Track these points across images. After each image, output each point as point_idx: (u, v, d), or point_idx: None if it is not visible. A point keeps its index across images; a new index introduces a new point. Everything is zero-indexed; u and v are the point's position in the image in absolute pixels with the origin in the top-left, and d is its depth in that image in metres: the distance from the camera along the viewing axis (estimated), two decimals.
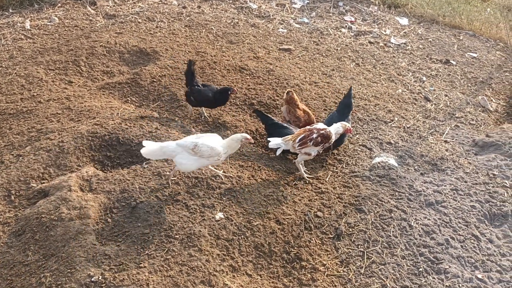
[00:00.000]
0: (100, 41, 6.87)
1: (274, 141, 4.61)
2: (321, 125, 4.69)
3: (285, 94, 5.44)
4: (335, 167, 5.14)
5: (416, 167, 5.26)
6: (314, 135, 4.58)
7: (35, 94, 5.79)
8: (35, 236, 3.91)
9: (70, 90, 5.90)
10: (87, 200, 4.16)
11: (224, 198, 4.35)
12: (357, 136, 5.67)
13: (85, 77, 6.26)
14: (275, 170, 4.89)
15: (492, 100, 7.07)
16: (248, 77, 6.44)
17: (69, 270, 3.63)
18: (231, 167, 4.74)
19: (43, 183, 4.46)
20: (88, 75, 6.29)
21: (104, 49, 6.72)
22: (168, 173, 4.52)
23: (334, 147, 5.21)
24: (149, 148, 4.14)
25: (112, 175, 4.49)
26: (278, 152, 4.68)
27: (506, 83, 7.62)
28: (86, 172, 4.49)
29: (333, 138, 4.67)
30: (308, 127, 4.74)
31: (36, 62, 6.42)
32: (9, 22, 7.54)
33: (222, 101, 5.44)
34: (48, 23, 7.57)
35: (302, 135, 4.61)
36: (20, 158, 4.72)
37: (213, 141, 4.19)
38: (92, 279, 3.57)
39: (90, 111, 5.41)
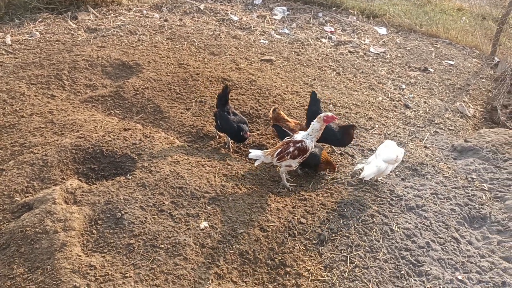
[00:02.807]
0: (82, 55, 6.93)
1: (254, 153, 4.69)
2: (298, 137, 4.71)
3: (271, 111, 5.51)
4: (318, 175, 5.25)
5: (397, 173, 5.38)
6: (291, 149, 4.63)
7: (17, 108, 5.80)
8: (20, 249, 3.92)
9: (53, 104, 5.94)
10: (72, 212, 4.19)
11: (208, 207, 4.41)
12: None
13: (67, 91, 6.30)
14: (259, 179, 4.97)
15: (470, 106, 7.28)
16: (231, 88, 6.51)
17: (54, 282, 3.66)
18: (215, 177, 4.84)
19: (27, 196, 4.48)
20: (71, 89, 6.34)
21: (86, 62, 6.79)
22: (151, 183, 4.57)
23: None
24: (369, 171, 4.76)
25: (96, 187, 4.52)
26: (256, 163, 4.73)
27: (483, 89, 7.85)
28: (70, 184, 4.53)
29: (311, 149, 4.68)
30: (286, 139, 4.78)
31: (18, 77, 6.45)
32: None
33: (238, 138, 5.29)
34: (29, 38, 7.61)
35: (280, 149, 4.66)
36: (4, 172, 4.73)
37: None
38: None
39: (73, 124, 5.46)
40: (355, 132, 5.69)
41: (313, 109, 5.33)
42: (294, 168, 4.89)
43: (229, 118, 5.28)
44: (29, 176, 4.65)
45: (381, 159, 4.85)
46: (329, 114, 4.58)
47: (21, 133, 5.35)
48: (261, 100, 6.38)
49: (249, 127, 5.67)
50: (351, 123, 5.84)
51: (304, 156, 4.71)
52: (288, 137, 4.83)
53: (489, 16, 10.30)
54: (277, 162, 4.73)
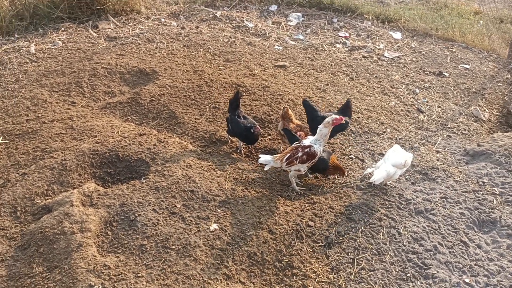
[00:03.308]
0: (102, 63, 7.16)
1: (264, 158, 4.77)
2: (307, 142, 4.76)
3: (282, 110, 5.65)
4: (327, 179, 5.30)
5: (407, 177, 5.42)
6: (300, 153, 4.69)
7: (39, 115, 6.03)
8: (39, 249, 4.11)
9: (73, 111, 6.16)
10: (88, 214, 4.36)
11: (218, 210, 4.51)
12: (349, 148, 5.85)
13: (87, 97, 6.53)
14: (269, 183, 5.06)
15: (485, 110, 7.21)
16: (244, 93, 6.67)
17: (71, 281, 3.83)
18: (225, 180, 4.97)
19: (47, 199, 4.67)
20: (90, 96, 6.56)
21: (105, 70, 7.00)
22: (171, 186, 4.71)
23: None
24: (379, 176, 4.76)
25: (112, 191, 4.67)
26: (266, 168, 4.82)
27: (499, 93, 7.78)
28: (87, 188, 4.68)
29: (319, 154, 4.74)
30: (295, 144, 4.84)
31: (40, 84, 6.69)
32: (15, 46, 7.86)
33: (249, 139, 5.34)
34: (52, 47, 7.88)
35: (289, 154, 4.72)
36: (26, 176, 4.95)
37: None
38: None
39: (92, 130, 5.66)
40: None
41: (311, 117, 5.37)
42: (303, 173, 4.96)
43: (240, 121, 5.36)
44: (49, 179, 4.86)
45: (390, 163, 4.89)
46: (337, 116, 4.62)
47: (43, 138, 5.57)
48: (273, 105, 6.48)
49: (261, 132, 5.78)
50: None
51: (313, 161, 4.77)
52: (297, 142, 4.90)
53: (507, 19, 10.19)
54: (286, 167, 4.80)
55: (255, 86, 6.88)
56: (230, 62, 7.66)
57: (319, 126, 4.70)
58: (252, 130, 5.18)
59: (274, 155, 4.84)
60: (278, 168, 5.04)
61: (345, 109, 5.56)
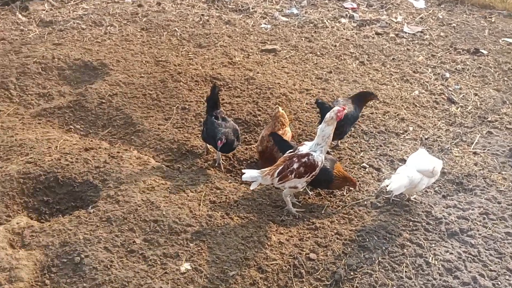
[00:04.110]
0: (34, 56, 7.10)
1: (249, 173, 4.74)
2: (304, 149, 4.75)
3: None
4: (333, 196, 5.28)
5: (436, 189, 5.39)
6: (295, 165, 4.68)
7: None
8: None
9: None
10: (19, 258, 4.25)
11: (191, 245, 4.46)
12: (361, 154, 5.85)
13: (15, 103, 6.48)
14: (257, 205, 5.02)
15: None
16: (222, 88, 6.65)
17: None
18: (199, 205, 4.90)
19: None
20: (19, 100, 6.52)
21: (39, 66, 6.95)
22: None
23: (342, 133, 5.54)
24: (399, 183, 4.73)
25: (50, 225, 4.61)
26: (253, 187, 4.81)
27: None
28: (18, 223, 4.60)
29: (321, 164, 4.74)
30: (288, 153, 4.83)
31: None
32: None
33: (223, 147, 5.34)
34: None
35: (281, 167, 4.72)
36: None
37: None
38: None
39: (22, 146, 5.58)
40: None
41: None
42: (301, 190, 4.96)
43: (216, 123, 5.38)
44: None
45: (414, 168, 4.91)
46: (338, 107, 4.68)
47: None
48: (260, 102, 6.46)
49: (239, 142, 5.72)
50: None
51: (313, 173, 4.77)
52: (291, 150, 4.89)
53: None
54: (279, 184, 4.79)
55: (236, 78, 6.84)
56: (203, 48, 7.63)
57: (319, 126, 4.71)
58: (217, 139, 5.21)
59: (262, 169, 4.81)
60: (269, 185, 5.04)
61: (358, 99, 5.70)
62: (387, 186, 4.89)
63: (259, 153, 5.51)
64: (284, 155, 4.88)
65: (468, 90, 7.21)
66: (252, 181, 4.79)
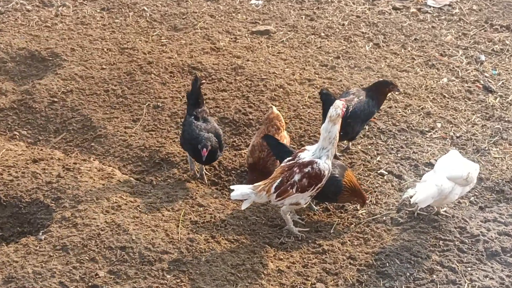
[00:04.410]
0: None
1: (239, 190, 4.61)
2: (306, 156, 4.65)
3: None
4: (344, 211, 5.15)
5: (472, 199, 5.26)
6: (296, 177, 4.58)
7: None
8: None
9: None
10: None
11: (168, 276, 4.32)
12: (378, 157, 5.69)
13: None
14: (249, 225, 4.91)
15: None
16: (204, 80, 6.42)
17: None
18: (178, 226, 4.76)
19: None
20: None
21: None
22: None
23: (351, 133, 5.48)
24: (425, 193, 4.62)
25: None
26: (244, 206, 4.69)
27: None
28: None
29: (328, 172, 4.65)
30: (287, 162, 4.74)
31: None
32: None
33: (198, 156, 5.25)
34: None
35: (279, 180, 4.62)
36: None
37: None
38: None
39: None
40: None
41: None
42: (304, 206, 4.85)
43: (194, 124, 5.27)
44: None
45: (444, 175, 4.78)
46: (341, 101, 4.65)
47: None
48: (252, 97, 6.29)
49: (226, 145, 5.67)
50: None
51: (319, 185, 4.66)
52: (290, 157, 4.77)
53: None
54: (278, 201, 4.68)
55: (221, 68, 6.68)
56: (179, 31, 7.50)
57: (323, 125, 4.64)
58: (199, 147, 5.06)
59: (255, 184, 4.67)
60: (265, 203, 4.96)
61: (374, 91, 5.59)
62: (411, 197, 4.85)
63: (249, 166, 5.40)
64: (282, 165, 4.80)
65: (508, 75, 7.06)
66: (244, 199, 4.65)
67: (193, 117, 5.33)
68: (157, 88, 6.35)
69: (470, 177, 4.86)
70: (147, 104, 6.19)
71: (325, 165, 4.58)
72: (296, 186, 4.57)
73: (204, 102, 5.61)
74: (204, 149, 5.03)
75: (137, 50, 6.90)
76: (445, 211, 5.03)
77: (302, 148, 4.87)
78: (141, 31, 7.37)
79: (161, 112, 6.09)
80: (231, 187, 4.72)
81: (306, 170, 4.56)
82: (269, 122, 5.45)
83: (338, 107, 4.57)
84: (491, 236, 4.76)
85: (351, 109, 5.41)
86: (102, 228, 4.61)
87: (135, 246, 4.46)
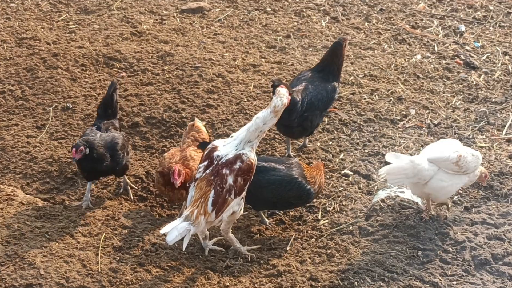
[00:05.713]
0: None
1: (174, 230, 4.59)
2: (224, 152, 4.76)
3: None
4: (302, 222, 5.25)
5: (455, 198, 5.42)
6: (230, 179, 4.71)
7: None
8: None
9: None
10: None
11: None
12: (340, 156, 5.85)
13: None
14: (186, 247, 4.84)
15: None
16: (125, 73, 6.63)
17: None
18: (97, 255, 4.81)
19: None
20: None
21: None
22: None
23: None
24: (395, 165, 4.87)
25: None
26: (186, 244, 4.70)
27: None
28: None
29: (255, 164, 4.81)
30: (202, 172, 4.81)
31: None
32: None
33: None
34: None
35: (212, 193, 4.73)
36: None
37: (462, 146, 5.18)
38: None
39: None
40: None
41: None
42: (239, 215, 4.98)
43: (89, 130, 5.42)
44: None
45: (424, 156, 5.00)
46: (283, 89, 4.74)
47: None
48: (184, 90, 6.46)
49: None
50: None
51: (250, 176, 4.82)
52: (204, 164, 4.85)
53: None
54: (218, 217, 4.78)
55: (145, 57, 6.84)
56: (91, 13, 7.67)
57: (258, 114, 4.72)
58: (72, 145, 5.21)
59: (185, 214, 4.71)
60: (208, 229, 5.01)
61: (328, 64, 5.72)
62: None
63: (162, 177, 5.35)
64: (199, 178, 4.84)
65: (493, 48, 7.29)
66: (183, 237, 4.66)
67: (96, 127, 5.44)
68: (66, 85, 6.46)
69: (464, 163, 4.94)
70: (54, 106, 6.27)
71: (252, 154, 4.74)
72: (234, 189, 4.71)
73: (118, 113, 5.64)
74: (74, 149, 5.09)
75: (38, 40, 7.01)
76: (429, 214, 5.16)
77: (210, 147, 4.87)
78: (43, 16, 7.49)
79: (72, 115, 6.18)
80: (161, 231, 4.69)
81: (236, 166, 4.70)
82: (187, 133, 5.53)
83: (283, 96, 4.67)
84: (479, 242, 4.95)
85: (306, 99, 5.45)
86: (2, 263, 4.63)
87: (45, 282, 4.51)
